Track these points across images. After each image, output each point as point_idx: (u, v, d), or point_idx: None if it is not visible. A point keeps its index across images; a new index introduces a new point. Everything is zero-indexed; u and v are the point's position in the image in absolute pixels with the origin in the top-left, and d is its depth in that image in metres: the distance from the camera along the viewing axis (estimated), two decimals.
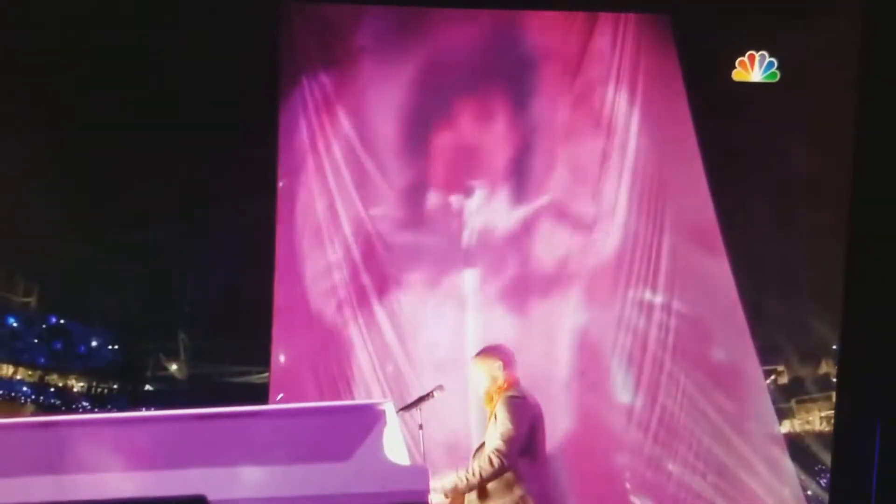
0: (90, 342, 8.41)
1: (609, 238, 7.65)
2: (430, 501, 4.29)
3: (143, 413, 6.05)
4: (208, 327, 7.87)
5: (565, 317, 7.54)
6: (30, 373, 8.33)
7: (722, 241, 7.50)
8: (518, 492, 4.50)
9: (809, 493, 7.37)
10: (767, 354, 7.54)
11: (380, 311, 7.57)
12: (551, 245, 7.63)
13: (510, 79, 7.75)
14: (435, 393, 4.86)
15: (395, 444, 4.37)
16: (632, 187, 7.69)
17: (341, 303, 7.60)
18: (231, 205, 7.41)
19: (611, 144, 7.74)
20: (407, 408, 4.93)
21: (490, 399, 4.68)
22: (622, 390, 7.47)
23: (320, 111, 7.77)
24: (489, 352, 4.81)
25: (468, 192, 7.72)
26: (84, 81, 7.38)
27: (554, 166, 7.70)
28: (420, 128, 7.71)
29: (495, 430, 4.53)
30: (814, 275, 7.32)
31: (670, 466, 7.32)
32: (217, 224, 7.47)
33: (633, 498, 7.26)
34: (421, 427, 4.84)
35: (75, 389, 8.37)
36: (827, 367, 7.77)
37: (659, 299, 7.55)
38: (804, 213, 7.39)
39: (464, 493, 4.54)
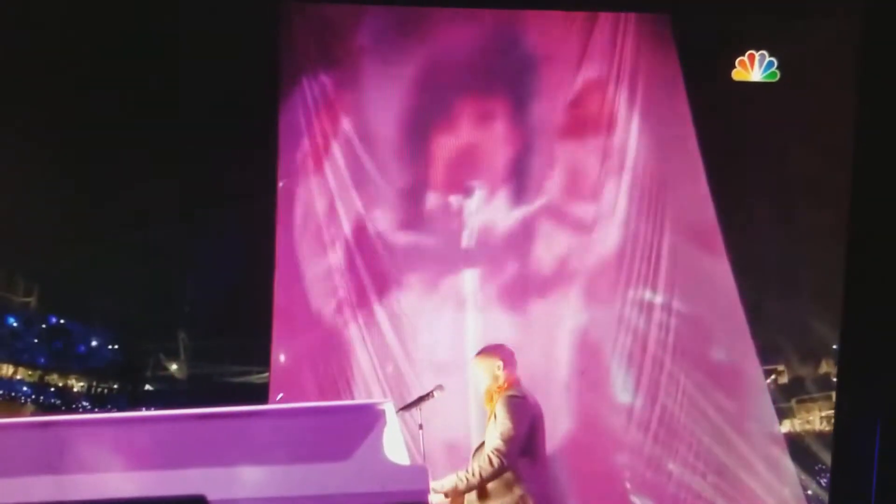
0: (90, 342, 8.40)
1: (609, 238, 7.64)
2: (429, 501, 4.29)
3: (143, 413, 6.07)
4: (208, 327, 7.86)
5: (565, 317, 7.54)
6: (30, 373, 8.33)
7: (722, 241, 7.50)
8: (518, 491, 4.49)
9: (809, 492, 7.36)
10: (767, 354, 7.53)
11: (380, 312, 7.57)
12: (551, 245, 7.63)
13: (510, 79, 7.75)
14: (435, 393, 4.86)
15: (394, 444, 4.37)
16: (632, 187, 7.68)
17: (341, 303, 7.61)
18: (231, 205, 7.40)
19: (611, 144, 7.73)
20: (407, 408, 4.93)
21: (490, 398, 4.67)
22: (622, 390, 7.47)
23: (320, 111, 7.77)
24: (489, 351, 4.81)
25: (468, 192, 7.72)
26: (84, 81, 7.38)
27: (554, 166, 7.71)
28: (420, 128, 7.71)
29: (495, 430, 4.52)
30: (814, 275, 7.32)
31: (670, 466, 7.32)
32: (217, 224, 7.46)
33: (633, 498, 7.26)
34: (421, 427, 4.84)
35: (75, 389, 8.36)
36: (827, 367, 7.77)
37: (659, 299, 7.55)
38: (804, 213, 7.39)
39: (464, 493, 4.53)
